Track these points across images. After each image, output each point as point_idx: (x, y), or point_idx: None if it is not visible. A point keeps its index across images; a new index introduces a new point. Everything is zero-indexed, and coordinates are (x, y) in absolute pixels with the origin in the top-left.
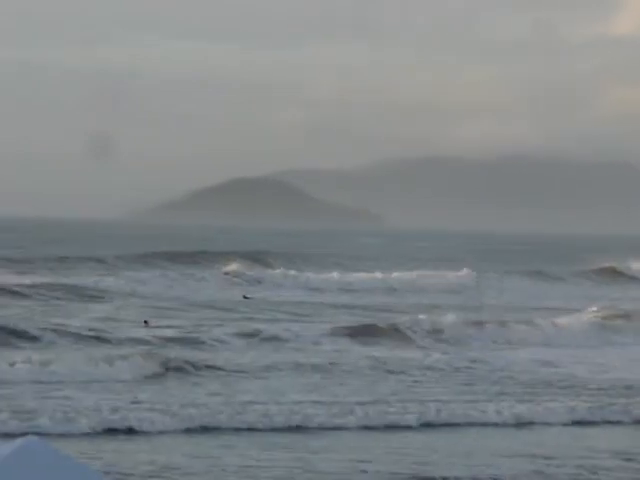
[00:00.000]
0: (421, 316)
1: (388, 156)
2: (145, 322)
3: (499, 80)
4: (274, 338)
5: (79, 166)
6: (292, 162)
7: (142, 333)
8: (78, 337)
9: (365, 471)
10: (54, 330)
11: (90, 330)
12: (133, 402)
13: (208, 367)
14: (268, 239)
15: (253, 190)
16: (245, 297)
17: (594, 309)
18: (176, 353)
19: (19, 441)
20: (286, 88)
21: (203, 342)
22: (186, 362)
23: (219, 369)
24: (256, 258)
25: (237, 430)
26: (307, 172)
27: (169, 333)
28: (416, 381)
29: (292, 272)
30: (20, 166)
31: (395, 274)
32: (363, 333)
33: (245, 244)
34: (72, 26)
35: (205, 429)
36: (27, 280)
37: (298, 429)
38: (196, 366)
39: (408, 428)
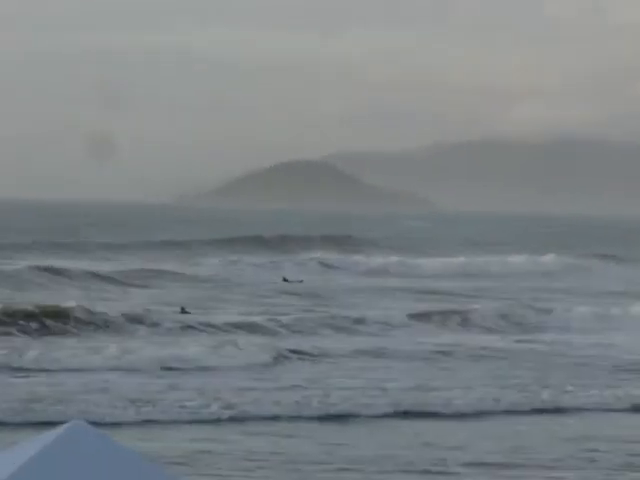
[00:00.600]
0: (488, 302)
1: (437, 139)
2: (182, 309)
3: (549, 62)
4: (341, 324)
5: (125, 149)
6: (342, 146)
7: (231, 319)
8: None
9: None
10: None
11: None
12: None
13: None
14: (324, 223)
15: (302, 174)
16: (285, 280)
17: None
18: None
19: (65, 426)
20: (338, 72)
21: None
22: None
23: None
24: (327, 242)
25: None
26: (357, 156)
27: (252, 319)
28: (467, 365)
29: (362, 257)
30: (59, 150)
31: (461, 259)
32: (427, 318)
33: (304, 228)
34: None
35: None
36: (120, 266)
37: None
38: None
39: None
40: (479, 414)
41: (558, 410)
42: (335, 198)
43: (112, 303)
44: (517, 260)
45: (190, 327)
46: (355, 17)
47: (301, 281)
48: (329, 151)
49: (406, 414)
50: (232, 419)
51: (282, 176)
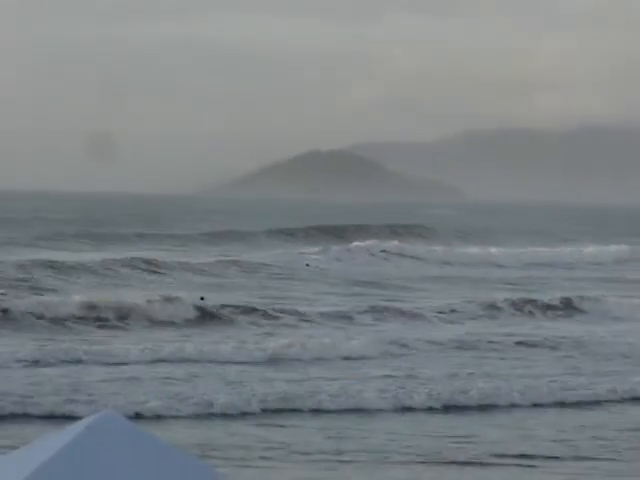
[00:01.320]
0: (555, 291)
1: (464, 129)
2: (202, 298)
3: (575, 51)
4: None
5: (138, 142)
6: (368, 135)
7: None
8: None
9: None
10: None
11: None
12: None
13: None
14: (374, 212)
15: (328, 163)
16: (307, 265)
17: None
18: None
19: (95, 416)
20: (363, 61)
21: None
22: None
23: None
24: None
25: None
26: (383, 145)
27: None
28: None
29: (438, 246)
30: (69, 143)
31: (530, 249)
32: (492, 308)
33: (358, 217)
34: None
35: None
36: (210, 258)
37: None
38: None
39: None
40: (534, 406)
41: (605, 401)
42: (362, 188)
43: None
44: (588, 250)
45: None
46: (385, 7)
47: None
48: (357, 140)
49: (444, 407)
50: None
51: (307, 166)
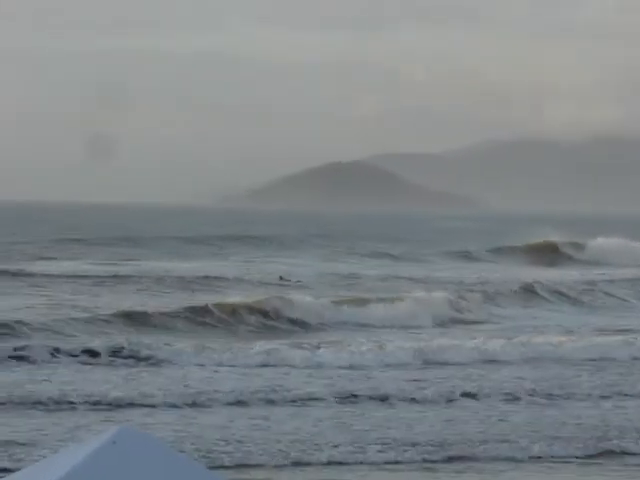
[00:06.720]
0: None
1: (482, 140)
2: (281, 277)
3: (593, 61)
4: None
5: (152, 153)
6: (387, 146)
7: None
8: None
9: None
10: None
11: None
12: None
13: None
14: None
15: (347, 174)
16: (281, 278)
17: None
18: None
19: (112, 431)
20: (381, 72)
21: None
22: None
23: None
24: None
25: None
26: (402, 156)
27: None
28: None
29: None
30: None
31: None
32: None
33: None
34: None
35: None
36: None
37: None
38: None
39: None
40: None
41: None
42: (382, 199)
43: None
44: None
45: None
46: (403, 17)
47: (298, 281)
48: (376, 152)
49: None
50: None
51: (327, 177)
